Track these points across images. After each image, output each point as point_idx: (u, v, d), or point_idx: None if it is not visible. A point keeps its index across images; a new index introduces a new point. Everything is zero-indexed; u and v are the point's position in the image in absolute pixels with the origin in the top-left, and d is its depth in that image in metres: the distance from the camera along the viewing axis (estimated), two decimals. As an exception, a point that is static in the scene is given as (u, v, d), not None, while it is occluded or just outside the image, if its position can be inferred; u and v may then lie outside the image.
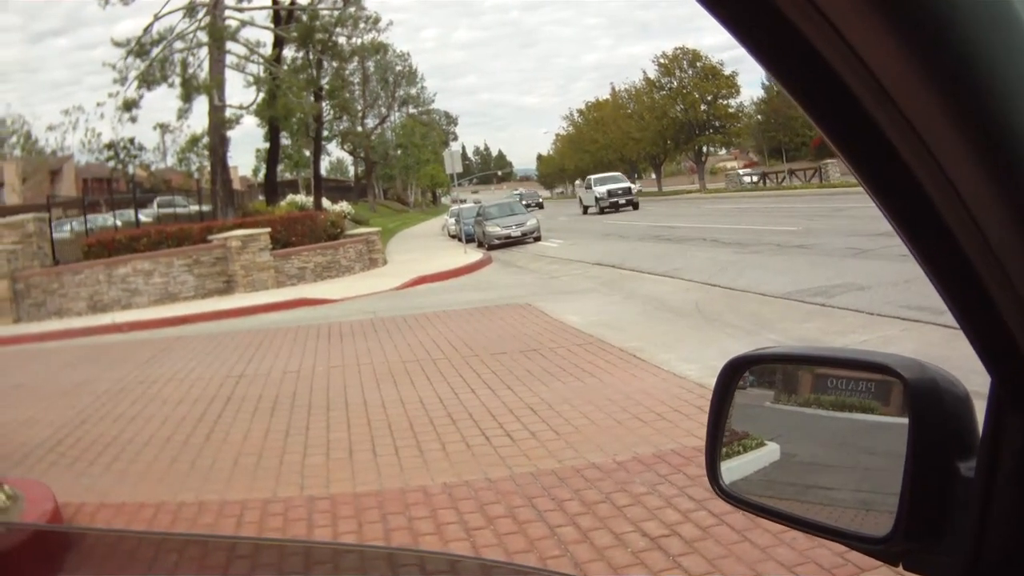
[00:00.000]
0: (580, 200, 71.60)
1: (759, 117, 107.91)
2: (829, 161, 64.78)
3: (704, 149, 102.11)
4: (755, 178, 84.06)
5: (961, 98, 0.88)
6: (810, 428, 1.60)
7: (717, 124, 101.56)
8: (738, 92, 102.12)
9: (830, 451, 1.56)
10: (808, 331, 12.57)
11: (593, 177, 70.35)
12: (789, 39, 0.93)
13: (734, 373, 1.67)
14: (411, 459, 8.69)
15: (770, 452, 1.64)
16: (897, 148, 0.97)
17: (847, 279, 15.93)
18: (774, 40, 0.96)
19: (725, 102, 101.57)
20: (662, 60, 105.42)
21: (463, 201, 78.38)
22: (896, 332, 11.68)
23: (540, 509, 6.81)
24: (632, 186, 67.65)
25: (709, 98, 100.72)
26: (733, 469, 1.66)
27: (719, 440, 1.67)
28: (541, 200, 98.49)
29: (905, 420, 1.31)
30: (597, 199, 63.95)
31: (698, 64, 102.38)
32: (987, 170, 0.92)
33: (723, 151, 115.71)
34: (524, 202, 79.37)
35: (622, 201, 62.68)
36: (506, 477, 7.75)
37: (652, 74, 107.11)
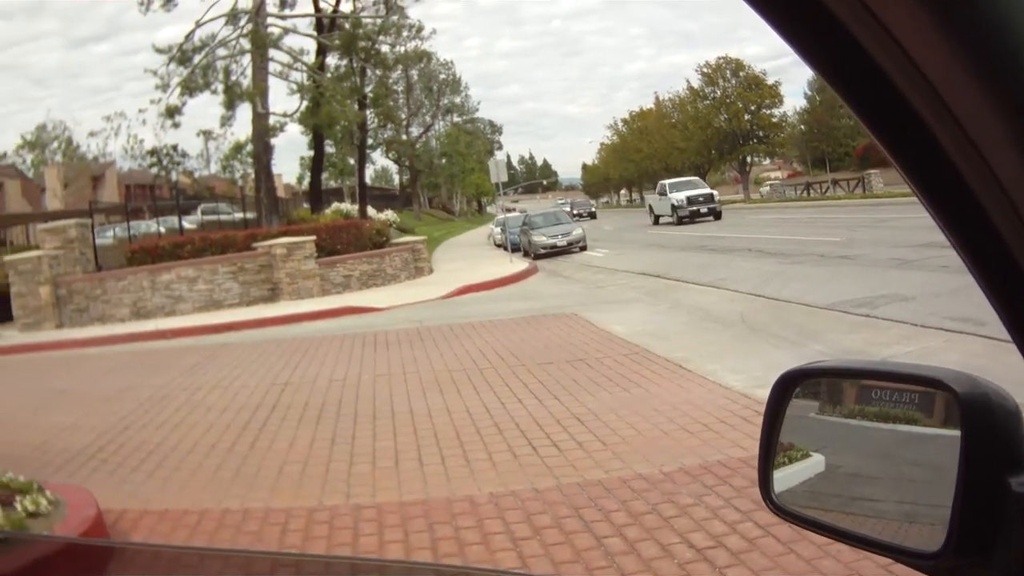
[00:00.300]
0: (650, 209, 62.23)
1: (802, 127, 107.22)
2: (872, 171, 64.25)
3: (748, 159, 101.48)
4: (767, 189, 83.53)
5: (1008, 93, 0.89)
6: (855, 439, 1.60)
7: (761, 134, 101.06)
8: (781, 102, 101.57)
9: (875, 463, 1.56)
10: (853, 342, 12.50)
11: (668, 182, 60.47)
12: (835, 35, 0.95)
13: (787, 386, 1.65)
14: (457, 468, 8.69)
15: (815, 463, 1.64)
16: (944, 147, 0.98)
17: (891, 290, 15.83)
18: (818, 35, 0.97)
19: (768, 112, 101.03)
20: (705, 69, 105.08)
21: (511, 210, 78.00)
22: (939, 343, 11.61)
23: (587, 520, 6.79)
24: (714, 192, 58.07)
25: (753, 108, 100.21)
26: (779, 480, 1.66)
27: (772, 453, 1.67)
28: (593, 209, 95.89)
29: (950, 432, 1.31)
30: (674, 207, 54.63)
31: (741, 73, 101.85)
32: None
33: (767, 161, 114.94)
34: (575, 212, 78.96)
35: (703, 209, 53.45)
36: (553, 487, 7.74)
37: (695, 83, 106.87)
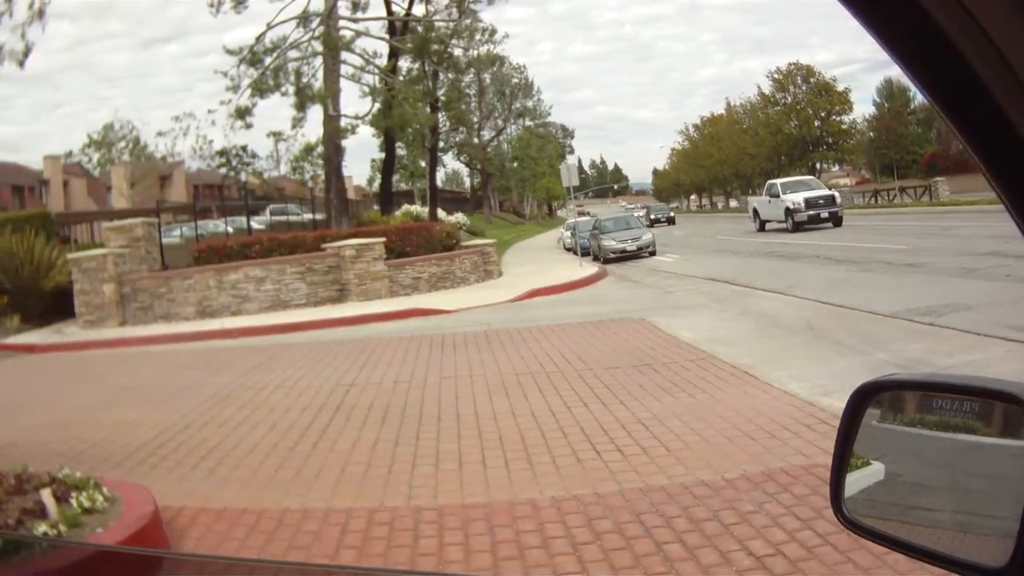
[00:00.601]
0: (755, 214, 53.66)
1: (871, 134, 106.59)
2: (939, 179, 63.64)
3: (817, 165, 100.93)
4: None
5: None
6: (915, 448, 1.62)
7: (830, 140, 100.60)
8: (851, 109, 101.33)
9: (934, 472, 1.58)
10: (916, 351, 12.39)
11: (780, 182, 51.82)
12: (926, 33, 0.94)
13: (862, 400, 1.67)
14: (521, 472, 8.70)
15: (875, 471, 1.66)
16: None
17: (955, 299, 15.69)
18: (914, 38, 0.97)
19: (838, 118, 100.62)
20: (776, 75, 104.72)
21: (585, 213, 77.39)
22: (1001, 353, 11.50)
23: (648, 525, 6.78)
24: (835, 194, 48.90)
25: (823, 114, 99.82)
26: (844, 486, 1.68)
27: (845, 466, 1.68)
28: (672, 214, 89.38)
29: (1012, 442, 1.33)
30: (790, 212, 46.30)
31: (811, 80, 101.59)
32: None
33: (836, 168, 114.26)
34: (653, 216, 78.01)
35: (824, 214, 45.05)
36: (615, 492, 7.71)
37: (767, 89, 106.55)
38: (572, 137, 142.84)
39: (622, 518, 7.02)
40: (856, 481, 1.67)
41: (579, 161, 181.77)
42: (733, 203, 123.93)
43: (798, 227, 44.71)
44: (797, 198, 46.13)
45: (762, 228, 50.96)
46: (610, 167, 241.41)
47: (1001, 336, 12.33)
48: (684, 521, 6.81)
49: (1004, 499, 1.30)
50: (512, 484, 8.32)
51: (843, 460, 1.68)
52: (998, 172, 1.03)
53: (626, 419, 10.31)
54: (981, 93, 0.96)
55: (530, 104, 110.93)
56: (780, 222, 47.55)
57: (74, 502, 7.09)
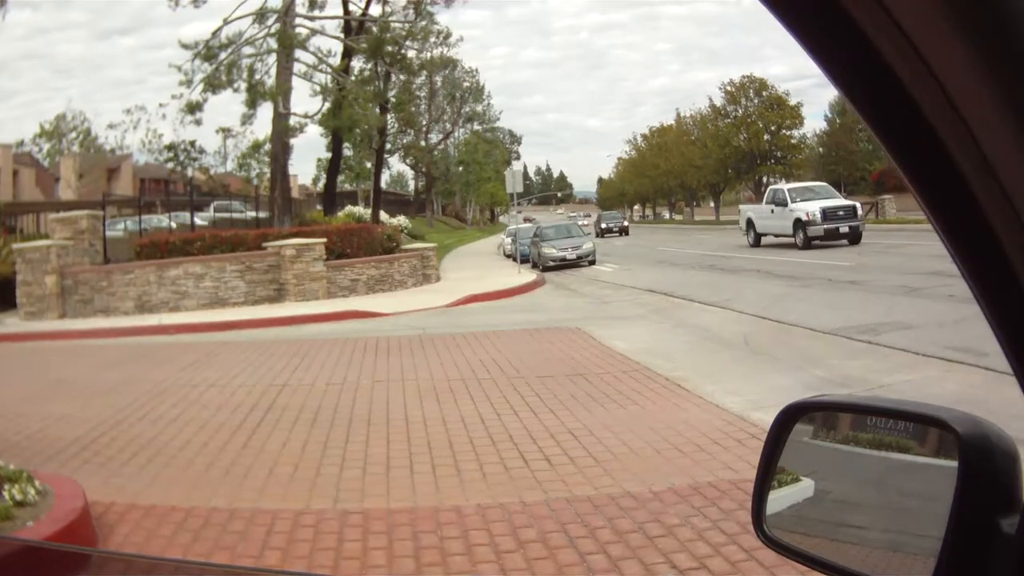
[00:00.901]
0: (749, 225, 44.68)
1: (820, 150, 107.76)
2: (886, 197, 64.17)
3: (764, 179, 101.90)
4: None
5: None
6: (847, 466, 1.61)
7: (779, 155, 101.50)
8: (802, 123, 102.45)
9: (865, 490, 1.57)
10: (853, 369, 12.52)
11: (788, 187, 43.48)
12: (861, 52, 0.92)
13: (790, 419, 1.66)
14: (448, 478, 8.69)
15: (805, 488, 1.65)
16: (963, 173, 0.95)
17: (895, 317, 15.90)
18: (844, 52, 0.94)
19: (788, 133, 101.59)
20: (728, 88, 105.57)
21: (530, 220, 77.15)
22: (939, 373, 11.65)
23: (572, 535, 6.77)
24: (856, 205, 40.03)
25: (773, 128, 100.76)
26: (769, 505, 1.66)
27: (768, 485, 1.67)
28: (626, 224, 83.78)
29: (943, 462, 1.33)
30: (801, 224, 38.38)
31: (764, 93, 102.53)
32: None
33: (783, 182, 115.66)
34: (604, 225, 77.50)
35: (843, 228, 37.36)
36: (541, 501, 7.71)
37: (718, 101, 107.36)
38: (520, 143, 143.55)
39: (547, 527, 7.01)
40: (785, 497, 1.66)
41: (525, 167, 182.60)
42: (677, 216, 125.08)
43: (810, 243, 37.71)
44: (812, 208, 38.12)
45: (757, 243, 43.14)
46: (555, 174, 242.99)
47: (940, 356, 12.46)
48: (609, 532, 6.81)
49: (930, 518, 1.31)
50: (439, 490, 8.31)
51: (766, 479, 1.67)
52: (925, 191, 1.04)
53: (556, 428, 10.32)
54: (905, 103, 0.94)
55: (480, 108, 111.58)
56: (785, 236, 39.97)
57: (7, 495, 7.03)
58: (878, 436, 1.52)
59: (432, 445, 9.94)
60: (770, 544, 1.63)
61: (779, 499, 1.66)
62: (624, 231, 78.53)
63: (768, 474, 1.66)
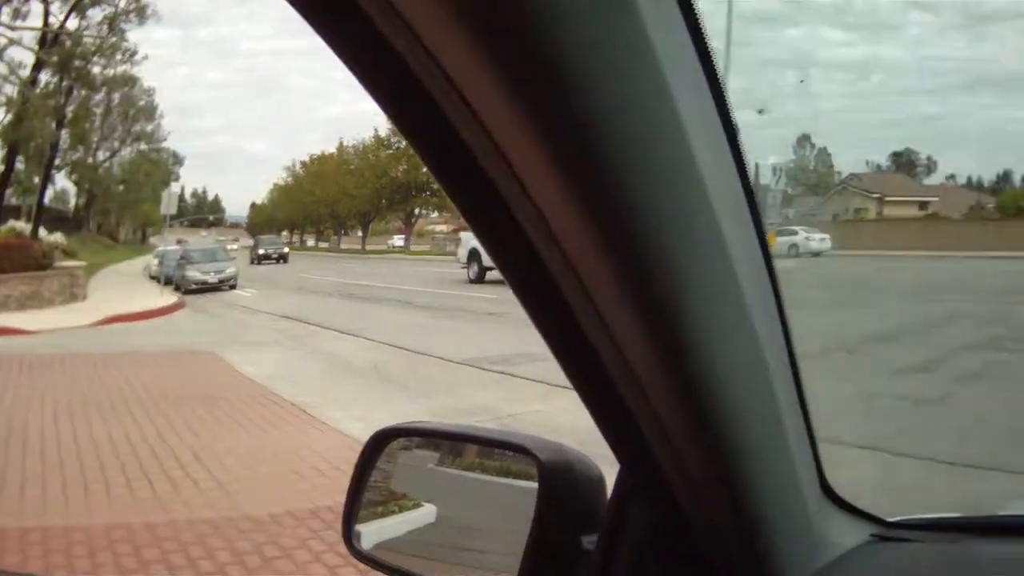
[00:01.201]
0: (472, 256, 36.44)
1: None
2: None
3: (417, 211, 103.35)
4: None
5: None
6: (471, 491, 1.68)
7: (434, 187, 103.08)
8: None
9: (486, 514, 1.66)
10: (484, 399, 12.93)
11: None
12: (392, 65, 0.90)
13: (379, 444, 1.77)
14: (75, 497, 8.60)
15: (426, 513, 1.71)
16: (503, 196, 0.95)
17: (531, 349, 16.15)
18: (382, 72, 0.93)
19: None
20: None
21: (183, 241, 75.35)
22: (569, 404, 11.88)
23: (193, 556, 6.85)
24: None
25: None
26: (385, 529, 1.72)
27: (358, 505, 1.74)
28: (286, 251, 79.50)
29: (530, 484, 1.42)
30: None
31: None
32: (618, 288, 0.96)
33: (435, 214, 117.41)
34: (262, 251, 75.56)
35: None
36: (164, 522, 7.74)
37: (383, 132, 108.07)
38: (181, 164, 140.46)
39: (168, 547, 7.06)
40: (405, 522, 1.72)
41: (183, 189, 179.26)
42: (323, 244, 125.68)
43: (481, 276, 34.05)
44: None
45: (481, 277, 34.56)
46: (211, 197, 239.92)
47: (569, 386, 12.69)
48: (227, 554, 6.93)
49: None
50: (67, 509, 8.22)
51: (356, 499, 1.75)
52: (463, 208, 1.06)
53: (181, 451, 10.39)
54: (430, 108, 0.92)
55: (149, 128, 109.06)
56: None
57: None
58: (505, 464, 1.59)
59: (64, 465, 9.79)
60: (359, 557, 1.69)
61: (400, 524, 1.72)
62: (284, 258, 74.12)
63: (358, 495, 1.74)
